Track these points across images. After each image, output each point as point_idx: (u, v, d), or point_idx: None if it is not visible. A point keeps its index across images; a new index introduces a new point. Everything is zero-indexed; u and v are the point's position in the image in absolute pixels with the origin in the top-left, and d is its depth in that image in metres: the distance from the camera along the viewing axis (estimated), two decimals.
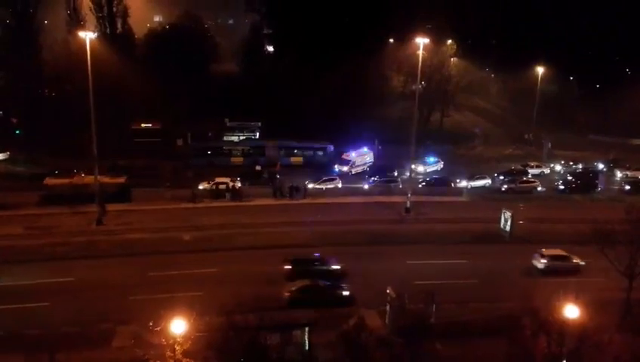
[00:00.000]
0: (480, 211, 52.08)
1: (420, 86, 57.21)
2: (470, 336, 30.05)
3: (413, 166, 64.75)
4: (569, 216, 49.93)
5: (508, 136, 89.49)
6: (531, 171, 66.86)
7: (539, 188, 61.29)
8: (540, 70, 79.68)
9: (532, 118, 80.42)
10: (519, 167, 67.88)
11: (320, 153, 69.34)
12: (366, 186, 59.75)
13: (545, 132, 77.38)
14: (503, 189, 60.93)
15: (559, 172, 67.73)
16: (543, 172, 68.01)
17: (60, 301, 33.86)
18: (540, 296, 26.75)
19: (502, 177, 63.80)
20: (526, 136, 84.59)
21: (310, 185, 57.84)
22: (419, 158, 66.50)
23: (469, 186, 61.72)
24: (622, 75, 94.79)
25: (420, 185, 59.12)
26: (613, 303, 32.42)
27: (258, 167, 63.66)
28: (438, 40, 79.04)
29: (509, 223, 46.29)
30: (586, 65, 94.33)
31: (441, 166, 68.04)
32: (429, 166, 67.25)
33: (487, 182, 62.75)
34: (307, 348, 28.54)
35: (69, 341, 28.48)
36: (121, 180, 54.07)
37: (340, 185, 59.42)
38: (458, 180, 62.50)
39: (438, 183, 60.68)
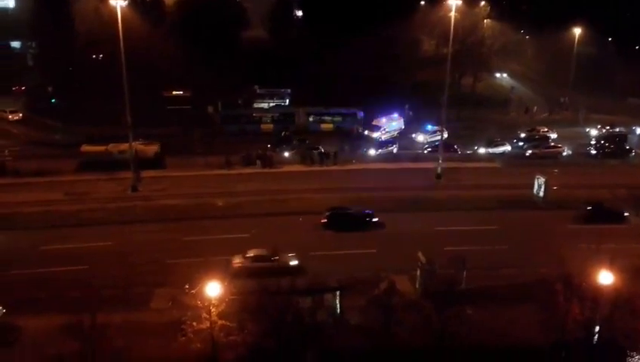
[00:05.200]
0: (512, 177, 51.38)
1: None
2: (501, 302, 30.12)
3: (413, 135, 64.37)
4: (605, 182, 48.92)
5: (543, 101, 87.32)
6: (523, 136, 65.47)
7: (564, 153, 60.05)
8: (577, 31, 76.97)
9: (568, 82, 78.12)
10: (526, 132, 66.52)
11: (350, 119, 68.98)
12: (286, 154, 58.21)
13: (582, 95, 75.22)
14: (527, 154, 59.79)
15: (594, 136, 65.94)
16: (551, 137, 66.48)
17: (99, 264, 35.01)
18: (574, 262, 26.48)
19: (522, 143, 62.55)
20: (561, 100, 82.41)
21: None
22: (420, 127, 66.27)
23: (488, 153, 60.70)
24: None
25: (425, 151, 59.74)
26: None
27: (283, 133, 63.92)
28: (471, 1, 76.83)
29: (542, 189, 45.64)
30: (625, 26, 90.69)
31: (446, 135, 63.93)
32: (430, 135, 64.93)
33: (506, 148, 61.61)
34: (338, 311, 29.06)
35: (109, 303, 29.52)
36: (155, 147, 54.89)
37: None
38: (475, 147, 61.47)
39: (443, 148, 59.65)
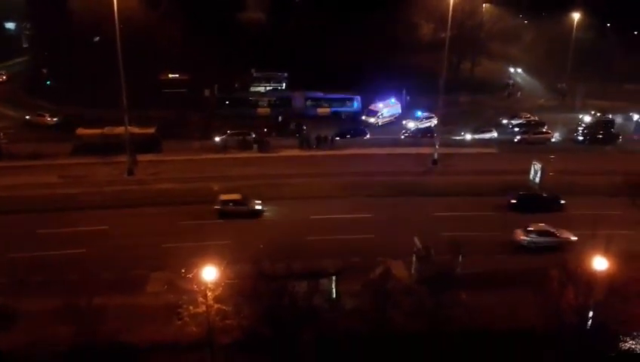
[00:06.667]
0: (509, 163, 51.25)
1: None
2: (496, 287, 30.28)
3: (404, 122, 64.36)
4: (601, 168, 48.97)
5: (541, 86, 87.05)
6: (516, 122, 65.24)
7: (553, 139, 60.12)
8: (576, 16, 76.56)
9: (566, 67, 77.87)
10: (508, 118, 66.38)
11: (347, 104, 68.66)
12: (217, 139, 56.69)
13: (579, 81, 74.97)
14: (516, 140, 59.74)
15: (582, 122, 65.71)
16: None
17: (95, 248, 35.09)
18: (567, 247, 26.63)
19: (517, 129, 62.65)
20: (559, 86, 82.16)
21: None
22: (410, 114, 66.27)
23: (474, 139, 60.51)
24: None
25: (403, 137, 60.39)
26: None
27: (280, 118, 63.65)
28: None
29: (538, 175, 45.62)
30: (623, 12, 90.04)
31: (435, 122, 62.48)
32: (420, 121, 64.59)
33: (492, 135, 61.64)
34: (334, 296, 29.19)
35: (106, 286, 29.61)
36: (151, 131, 54.59)
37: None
38: (462, 133, 61.41)
39: (421, 134, 60.16)
